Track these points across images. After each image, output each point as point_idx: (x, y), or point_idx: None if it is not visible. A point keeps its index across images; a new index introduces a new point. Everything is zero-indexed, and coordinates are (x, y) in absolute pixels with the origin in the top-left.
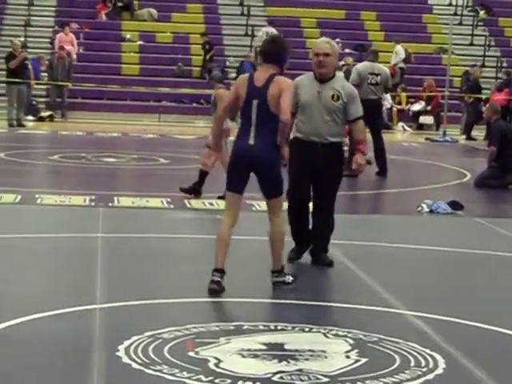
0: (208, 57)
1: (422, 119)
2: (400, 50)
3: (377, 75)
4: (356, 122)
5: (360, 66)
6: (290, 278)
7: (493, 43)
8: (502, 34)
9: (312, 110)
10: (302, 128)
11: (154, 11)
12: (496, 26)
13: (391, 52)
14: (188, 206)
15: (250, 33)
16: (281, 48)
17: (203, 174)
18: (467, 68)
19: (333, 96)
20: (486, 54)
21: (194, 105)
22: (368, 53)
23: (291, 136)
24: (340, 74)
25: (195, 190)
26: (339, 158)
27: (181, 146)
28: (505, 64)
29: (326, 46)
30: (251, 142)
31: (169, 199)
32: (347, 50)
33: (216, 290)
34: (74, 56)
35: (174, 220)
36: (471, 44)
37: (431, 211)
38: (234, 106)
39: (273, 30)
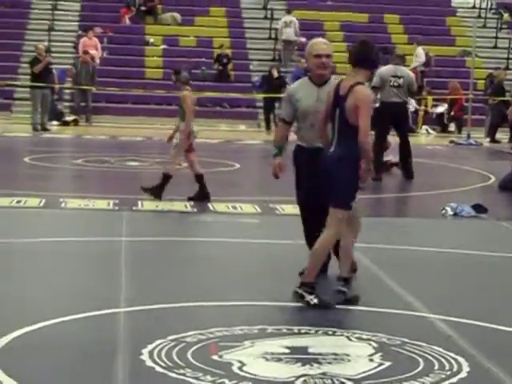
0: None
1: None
2: (420, 53)
3: (399, 77)
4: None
5: (383, 68)
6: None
7: None
8: None
9: (314, 115)
10: (305, 136)
11: (177, 15)
12: None
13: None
14: (211, 209)
15: (273, 36)
16: (371, 51)
17: (200, 178)
18: (491, 71)
19: None
20: (510, 56)
21: (218, 108)
22: (393, 57)
23: (293, 145)
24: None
25: (157, 194)
26: None
27: (204, 150)
28: None
29: (327, 48)
30: (331, 149)
31: (192, 203)
32: None
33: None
34: (98, 60)
35: (198, 223)
36: (495, 47)
37: (455, 214)
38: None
39: (292, 19)
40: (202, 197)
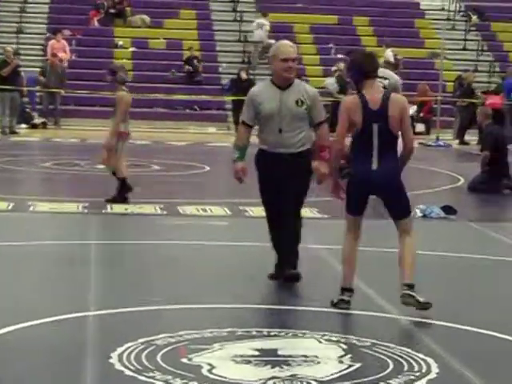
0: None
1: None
2: (389, 55)
3: (384, 79)
4: (320, 126)
5: None
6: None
7: (485, 48)
8: (494, 38)
9: (276, 119)
10: (266, 140)
11: (146, 17)
12: (488, 31)
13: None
14: (181, 212)
15: (242, 39)
16: (376, 61)
17: (123, 181)
18: (460, 73)
19: (297, 101)
20: (479, 58)
21: (187, 111)
22: (383, 62)
23: (255, 149)
24: (331, 80)
25: (121, 199)
26: (308, 166)
27: (174, 153)
28: (497, 69)
29: (294, 51)
30: (374, 166)
31: (162, 206)
32: (340, 56)
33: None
34: (67, 63)
35: (167, 226)
36: (464, 49)
37: (424, 216)
38: (348, 131)
39: (265, 23)
40: (121, 199)
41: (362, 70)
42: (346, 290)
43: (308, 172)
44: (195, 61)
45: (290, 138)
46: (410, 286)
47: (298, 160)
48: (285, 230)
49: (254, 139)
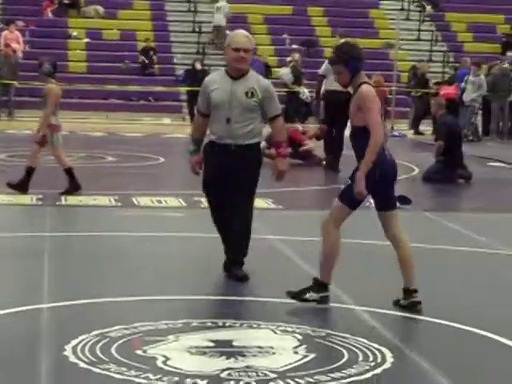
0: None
1: None
2: None
3: None
4: (275, 120)
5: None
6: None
7: (439, 38)
8: (448, 28)
9: (225, 108)
10: (215, 130)
11: (100, 8)
12: (442, 21)
13: None
14: (136, 203)
15: (197, 29)
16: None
17: (30, 170)
18: (414, 63)
19: (247, 93)
20: (433, 48)
21: (142, 102)
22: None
23: (205, 140)
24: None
25: (22, 187)
26: (256, 161)
27: (128, 144)
28: (451, 59)
29: (247, 41)
30: (388, 153)
31: (116, 197)
32: (294, 46)
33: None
34: (20, 54)
35: (122, 218)
36: (418, 39)
37: None
38: None
39: (222, 4)
40: (21, 188)
41: (361, 60)
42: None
43: (257, 165)
44: (151, 52)
45: (238, 129)
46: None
47: (247, 152)
48: (234, 224)
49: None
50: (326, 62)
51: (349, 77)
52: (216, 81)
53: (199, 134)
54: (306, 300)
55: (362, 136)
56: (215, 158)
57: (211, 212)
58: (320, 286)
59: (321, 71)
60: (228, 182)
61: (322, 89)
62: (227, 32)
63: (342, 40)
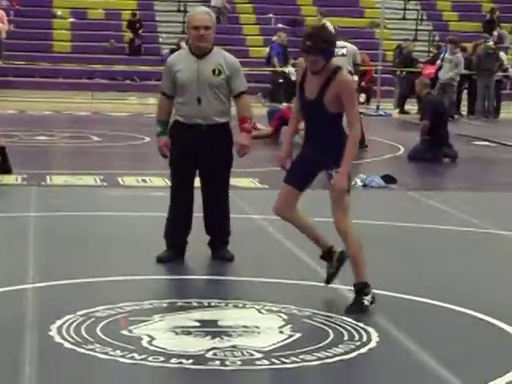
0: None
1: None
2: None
3: (342, 48)
4: (241, 96)
5: None
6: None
7: (425, 17)
8: (433, 7)
9: (193, 88)
10: (183, 110)
11: None
12: (428, 0)
13: None
14: (121, 183)
15: (182, 9)
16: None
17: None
18: (400, 42)
19: (214, 70)
20: (419, 27)
21: (127, 82)
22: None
23: (171, 120)
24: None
25: (6, 169)
26: (228, 139)
27: (113, 124)
28: (437, 38)
29: (206, 18)
30: None
31: (102, 177)
32: (279, 25)
33: None
34: (4, 34)
35: (107, 198)
36: (403, 18)
37: (365, 185)
38: None
39: None
40: (2, 170)
41: (334, 44)
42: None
43: (229, 144)
44: (137, 25)
45: (208, 109)
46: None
47: (217, 132)
48: (212, 206)
49: None
50: None
51: (323, 63)
52: (180, 61)
53: (165, 115)
54: (367, 309)
55: (332, 123)
56: (185, 138)
57: (174, 191)
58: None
59: None
60: (198, 162)
61: None
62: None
63: (325, 20)
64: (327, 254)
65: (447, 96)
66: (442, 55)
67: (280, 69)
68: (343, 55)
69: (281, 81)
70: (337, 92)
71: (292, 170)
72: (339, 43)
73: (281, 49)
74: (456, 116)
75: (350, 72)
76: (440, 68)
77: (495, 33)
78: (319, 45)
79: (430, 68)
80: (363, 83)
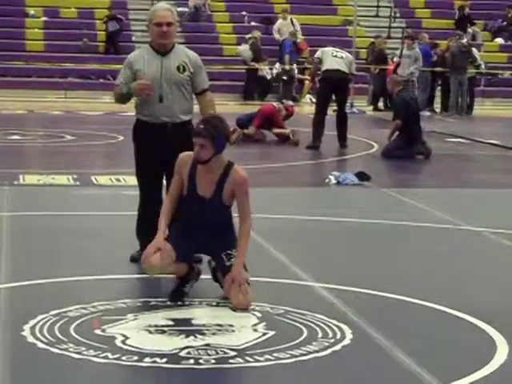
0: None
1: None
2: (295, 23)
3: (341, 52)
4: (204, 94)
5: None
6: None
7: (398, 14)
8: (406, 5)
9: (156, 86)
10: (147, 109)
11: None
12: None
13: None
14: (94, 182)
15: None
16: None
17: None
18: (373, 39)
19: (178, 67)
20: (392, 25)
21: (101, 80)
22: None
23: (135, 119)
24: (246, 47)
25: None
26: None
27: (87, 123)
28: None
29: (168, 14)
30: None
31: (75, 176)
32: (253, 23)
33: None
34: None
35: (81, 197)
36: (377, 15)
37: (339, 183)
38: None
39: None
40: None
41: (228, 139)
42: None
43: (192, 142)
44: (116, 22)
45: (172, 107)
46: None
47: (182, 130)
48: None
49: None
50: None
51: (212, 153)
52: (142, 58)
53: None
54: None
55: (225, 214)
56: (150, 138)
57: (143, 191)
58: None
59: (317, 54)
60: (165, 162)
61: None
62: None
63: (290, 17)
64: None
65: (410, 92)
66: (399, 52)
67: (289, 66)
68: (342, 58)
69: (284, 78)
70: (233, 189)
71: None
72: (337, 50)
73: (293, 46)
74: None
75: (350, 75)
76: (398, 65)
77: (470, 30)
78: (211, 131)
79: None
80: None
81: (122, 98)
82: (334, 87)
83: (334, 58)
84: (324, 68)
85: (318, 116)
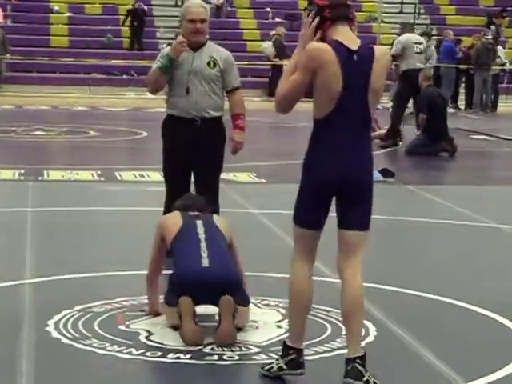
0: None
1: None
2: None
3: (420, 44)
4: (235, 92)
5: (403, 37)
6: None
7: (422, 11)
8: (431, 1)
9: (184, 80)
10: (176, 103)
11: None
12: None
13: None
14: (118, 178)
15: (179, 3)
16: None
17: None
18: (397, 36)
19: (209, 63)
20: (416, 21)
21: (125, 76)
22: (405, 27)
23: (165, 115)
24: (268, 44)
25: None
26: (222, 134)
27: (111, 118)
28: (434, 32)
29: (202, 11)
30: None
31: (99, 172)
32: (278, 20)
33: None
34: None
35: (105, 193)
36: (401, 12)
37: None
38: None
39: None
40: None
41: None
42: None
43: (223, 139)
44: (141, 13)
45: (199, 101)
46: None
47: (211, 125)
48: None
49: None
50: (397, 42)
51: None
52: None
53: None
54: None
55: None
56: (178, 133)
57: (169, 186)
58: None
59: (392, 52)
60: (192, 156)
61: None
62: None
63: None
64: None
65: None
66: None
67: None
68: (421, 52)
69: None
70: None
71: None
72: (416, 38)
73: None
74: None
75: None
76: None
77: (492, 27)
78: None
79: None
80: None
81: (161, 74)
82: (415, 86)
83: (415, 56)
84: (403, 67)
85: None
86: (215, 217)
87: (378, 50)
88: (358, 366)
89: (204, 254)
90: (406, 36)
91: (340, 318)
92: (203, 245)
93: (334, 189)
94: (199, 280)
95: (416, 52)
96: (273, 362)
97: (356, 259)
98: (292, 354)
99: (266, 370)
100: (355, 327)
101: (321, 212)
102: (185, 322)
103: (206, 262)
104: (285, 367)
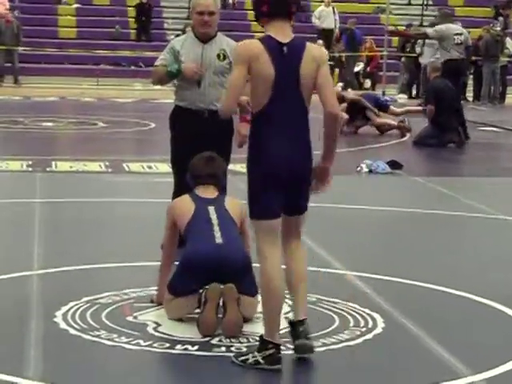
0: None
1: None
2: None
3: (460, 35)
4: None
5: (443, 26)
6: None
7: (430, 2)
8: None
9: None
10: (185, 95)
11: None
12: None
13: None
14: (126, 169)
15: None
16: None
17: None
18: (405, 28)
19: (218, 55)
20: (424, 13)
21: (133, 68)
22: (444, 16)
23: (173, 106)
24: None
25: None
26: (229, 127)
27: (119, 110)
28: None
29: (211, 3)
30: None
31: (107, 163)
32: None
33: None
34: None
35: (113, 184)
36: (409, 3)
37: (370, 171)
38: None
39: None
40: None
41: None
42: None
43: (231, 132)
44: (147, 6)
45: (210, 94)
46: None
47: (218, 118)
48: None
49: None
50: (435, 31)
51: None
52: (185, 45)
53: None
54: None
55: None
56: (186, 125)
57: (177, 177)
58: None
59: (428, 31)
60: (200, 150)
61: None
62: None
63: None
64: None
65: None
66: (423, 41)
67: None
68: (461, 43)
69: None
70: None
71: None
72: (457, 28)
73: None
74: None
75: (464, 59)
76: (420, 54)
77: (500, 18)
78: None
79: None
80: (368, 69)
81: (166, 78)
82: (456, 77)
83: (455, 47)
84: (447, 57)
85: None
86: (227, 201)
87: (313, 47)
88: (307, 326)
89: (217, 234)
90: (448, 26)
91: (348, 310)
92: (216, 228)
93: (282, 177)
94: (212, 256)
95: (456, 43)
96: (248, 354)
97: (298, 232)
98: (270, 349)
99: (240, 360)
100: (304, 292)
101: (276, 200)
102: (208, 311)
103: (219, 240)
104: (262, 361)
